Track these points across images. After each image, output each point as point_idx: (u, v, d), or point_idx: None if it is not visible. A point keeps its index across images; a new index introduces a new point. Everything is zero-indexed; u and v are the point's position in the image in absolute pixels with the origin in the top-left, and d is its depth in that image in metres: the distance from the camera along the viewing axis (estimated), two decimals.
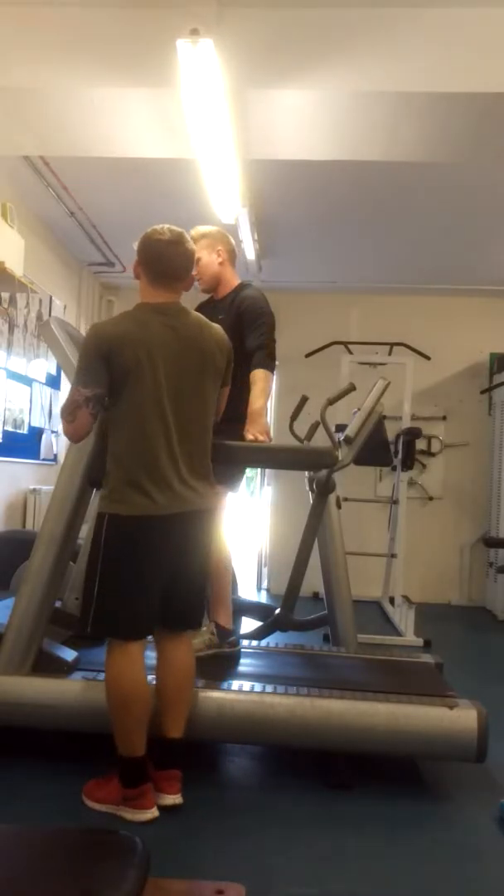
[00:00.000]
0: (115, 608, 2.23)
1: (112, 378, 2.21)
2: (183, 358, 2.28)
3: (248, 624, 3.43)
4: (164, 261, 2.29)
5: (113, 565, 2.24)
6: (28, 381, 5.27)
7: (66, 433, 2.30)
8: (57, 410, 5.90)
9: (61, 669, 2.60)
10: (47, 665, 2.59)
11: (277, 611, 3.33)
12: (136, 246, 2.35)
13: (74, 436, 2.29)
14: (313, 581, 3.63)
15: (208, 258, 3.02)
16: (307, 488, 3.51)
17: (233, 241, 3.14)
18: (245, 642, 3.21)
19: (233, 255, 3.12)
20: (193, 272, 2.44)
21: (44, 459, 5.62)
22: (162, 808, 2.22)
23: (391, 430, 5.42)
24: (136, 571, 2.23)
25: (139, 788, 2.20)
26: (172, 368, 2.25)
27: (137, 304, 2.32)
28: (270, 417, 5.93)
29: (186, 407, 2.28)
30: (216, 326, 2.44)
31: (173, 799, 2.25)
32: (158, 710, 2.32)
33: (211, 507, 2.38)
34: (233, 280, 3.10)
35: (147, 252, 2.31)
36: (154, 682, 2.37)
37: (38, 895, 1.16)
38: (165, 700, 2.33)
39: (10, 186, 4.76)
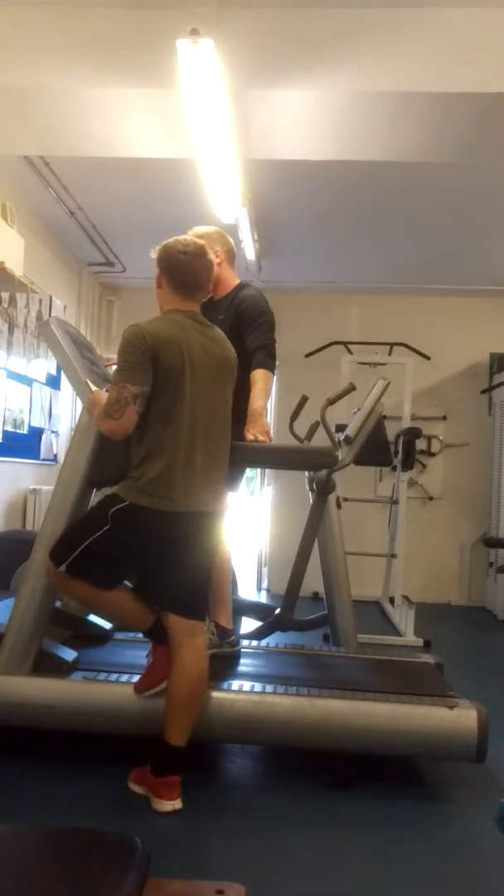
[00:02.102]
0: (92, 564, 2.35)
1: (154, 377, 2.27)
2: (213, 365, 2.40)
3: (248, 624, 3.43)
4: (189, 272, 2.40)
5: (109, 541, 2.32)
6: (28, 381, 5.27)
7: (109, 429, 2.31)
8: (57, 411, 5.90)
9: (61, 669, 2.60)
10: (47, 665, 2.59)
11: (277, 611, 3.33)
12: (153, 255, 2.44)
13: (119, 432, 2.31)
14: (313, 581, 3.63)
15: None
16: (307, 488, 3.51)
17: (231, 241, 3.13)
18: (245, 642, 3.21)
19: (231, 255, 3.11)
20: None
21: (44, 459, 5.62)
22: (162, 814, 2.23)
23: (391, 430, 5.42)
24: (127, 555, 2.36)
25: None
26: (205, 374, 2.36)
27: (171, 310, 2.41)
28: (270, 417, 5.93)
29: (213, 412, 2.40)
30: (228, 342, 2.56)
31: (173, 805, 2.25)
32: (166, 716, 2.32)
33: (223, 509, 2.49)
34: (231, 280, 3.10)
35: (171, 263, 2.40)
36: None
37: (38, 895, 1.16)
38: (176, 707, 2.32)
39: (10, 186, 4.76)
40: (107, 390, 2.62)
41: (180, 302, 2.42)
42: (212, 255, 2.49)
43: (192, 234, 2.90)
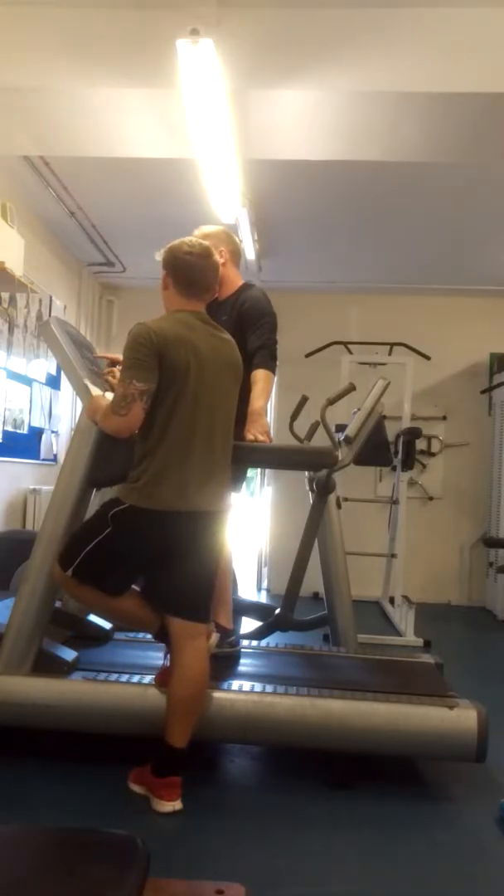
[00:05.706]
0: (97, 568, 2.38)
1: (160, 376, 2.27)
2: (219, 365, 2.40)
3: (248, 624, 3.43)
4: (196, 273, 2.41)
5: (112, 544, 2.32)
6: (28, 381, 5.27)
7: (115, 426, 2.30)
8: (57, 411, 5.90)
9: (61, 669, 2.60)
10: (47, 665, 2.59)
11: (277, 611, 3.33)
12: (158, 257, 2.45)
13: (125, 429, 2.31)
14: (313, 581, 3.63)
15: None
16: (307, 488, 3.51)
17: (237, 241, 3.14)
18: (245, 642, 3.21)
19: (236, 255, 3.11)
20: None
21: (44, 459, 5.62)
22: (162, 814, 2.23)
23: (391, 430, 5.42)
24: (130, 557, 2.37)
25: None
26: (211, 374, 2.36)
27: (178, 310, 2.41)
28: (270, 417, 5.93)
29: (218, 412, 2.39)
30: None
31: (173, 805, 2.25)
32: (168, 717, 2.32)
33: (226, 509, 2.48)
34: (236, 280, 3.10)
35: (178, 264, 2.41)
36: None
37: (39, 895, 1.16)
38: (179, 709, 2.32)
39: (10, 186, 4.76)
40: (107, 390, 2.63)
41: (186, 302, 2.42)
42: (217, 256, 2.50)
43: (199, 233, 2.92)
